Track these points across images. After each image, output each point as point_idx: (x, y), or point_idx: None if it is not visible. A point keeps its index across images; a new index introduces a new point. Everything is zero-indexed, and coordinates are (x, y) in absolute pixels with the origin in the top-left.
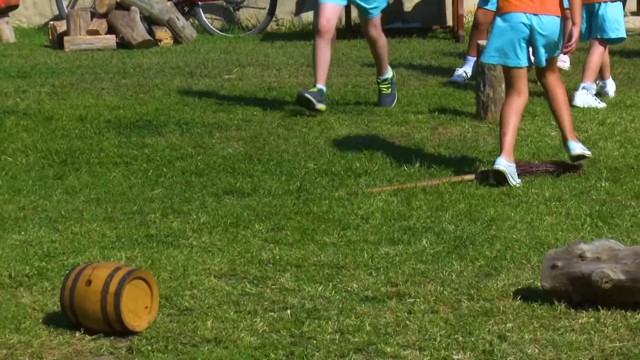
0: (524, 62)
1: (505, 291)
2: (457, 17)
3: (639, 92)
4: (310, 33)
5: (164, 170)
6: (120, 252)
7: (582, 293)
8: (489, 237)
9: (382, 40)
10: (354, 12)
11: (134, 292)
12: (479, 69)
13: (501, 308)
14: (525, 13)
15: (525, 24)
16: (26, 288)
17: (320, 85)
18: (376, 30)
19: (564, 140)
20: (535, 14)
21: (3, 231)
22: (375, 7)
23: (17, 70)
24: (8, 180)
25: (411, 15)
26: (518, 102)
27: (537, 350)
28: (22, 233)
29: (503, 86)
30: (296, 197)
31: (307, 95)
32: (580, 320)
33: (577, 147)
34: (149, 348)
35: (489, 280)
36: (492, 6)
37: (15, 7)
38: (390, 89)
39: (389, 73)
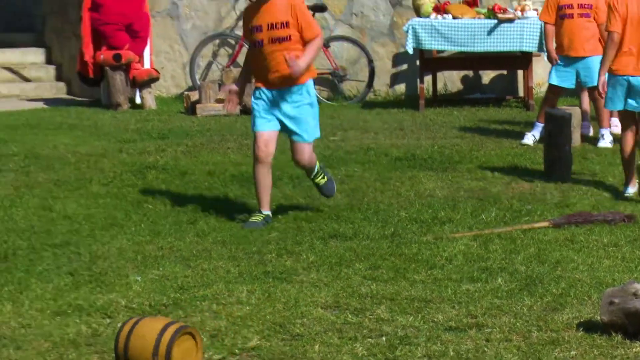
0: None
1: (570, 323)
2: (528, 89)
3: None
4: (401, 102)
5: (279, 217)
6: (242, 286)
7: (636, 326)
8: (555, 277)
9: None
10: (440, 83)
11: (183, 346)
12: (546, 132)
13: (566, 338)
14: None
15: (624, 83)
16: (163, 315)
17: (266, 212)
18: (306, 157)
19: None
20: (632, 76)
21: (145, 267)
22: (306, 132)
23: (158, 132)
24: (149, 224)
25: (488, 87)
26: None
27: None
28: (160, 269)
29: (567, 148)
30: (390, 241)
31: (252, 227)
32: (634, 350)
33: (631, 191)
34: None
35: (555, 313)
36: (559, 82)
37: (157, 79)
38: (325, 177)
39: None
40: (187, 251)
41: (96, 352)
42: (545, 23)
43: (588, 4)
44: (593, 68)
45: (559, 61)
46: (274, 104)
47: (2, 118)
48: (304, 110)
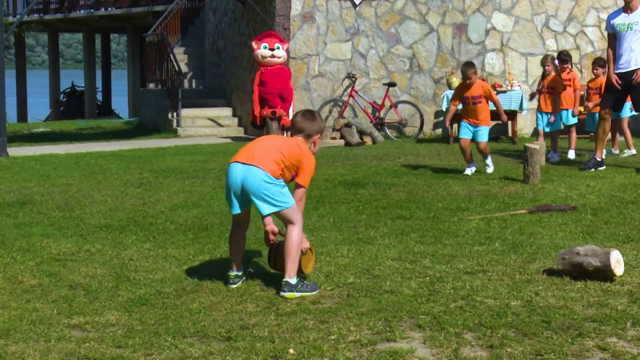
0: None
1: (538, 270)
2: (513, 132)
3: (607, 171)
4: (439, 139)
5: (366, 206)
6: (344, 246)
7: (578, 272)
8: (529, 243)
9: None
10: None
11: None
12: (524, 157)
13: (536, 279)
14: None
15: None
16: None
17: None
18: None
19: None
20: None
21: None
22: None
23: None
24: None
25: (491, 131)
26: None
27: (554, 301)
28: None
29: (537, 166)
30: (432, 220)
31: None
32: (577, 286)
33: None
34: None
35: (530, 264)
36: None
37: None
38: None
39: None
40: (313, 225)
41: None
42: (451, 104)
43: (478, 95)
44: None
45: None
46: None
47: (206, 148)
48: None
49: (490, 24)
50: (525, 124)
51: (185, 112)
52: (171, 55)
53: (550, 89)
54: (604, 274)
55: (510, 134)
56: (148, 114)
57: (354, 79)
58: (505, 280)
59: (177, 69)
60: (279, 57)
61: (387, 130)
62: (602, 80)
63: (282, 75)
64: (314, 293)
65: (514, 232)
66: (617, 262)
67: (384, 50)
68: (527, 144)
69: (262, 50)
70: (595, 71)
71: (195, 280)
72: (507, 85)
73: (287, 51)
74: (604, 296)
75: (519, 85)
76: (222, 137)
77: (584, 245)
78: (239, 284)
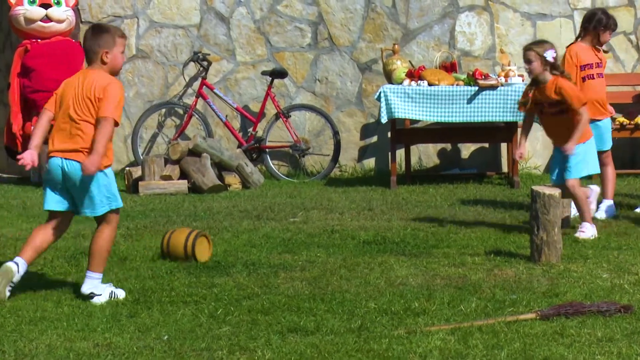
0: None
1: None
2: (512, 164)
3: None
4: (370, 179)
5: (232, 308)
6: None
7: None
8: None
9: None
10: (414, 157)
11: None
12: (532, 213)
13: None
14: None
15: None
16: None
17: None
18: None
19: None
20: None
21: None
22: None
23: None
24: (84, 318)
25: (468, 162)
26: None
27: None
28: None
29: (556, 229)
30: (357, 335)
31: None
32: None
33: None
34: None
35: None
36: None
37: None
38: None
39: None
40: (127, 348)
41: None
42: None
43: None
44: None
45: None
46: None
47: None
48: None
49: None
50: (534, 150)
51: None
52: None
53: (551, 105)
54: None
55: (505, 169)
56: None
57: (205, 64)
58: None
59: None
60: (60, 22)
61: (271, 163)
62: None
63: (66, 56)
64: None
65: (514, 356)
66: None
67: (263, 9)
68: (536, 188)
69: (26, 7)
70: None
71: None
72: (499, 76)
73: (76, 10)
74: None
75: (521, 75)
76: None
77: None
78: None
